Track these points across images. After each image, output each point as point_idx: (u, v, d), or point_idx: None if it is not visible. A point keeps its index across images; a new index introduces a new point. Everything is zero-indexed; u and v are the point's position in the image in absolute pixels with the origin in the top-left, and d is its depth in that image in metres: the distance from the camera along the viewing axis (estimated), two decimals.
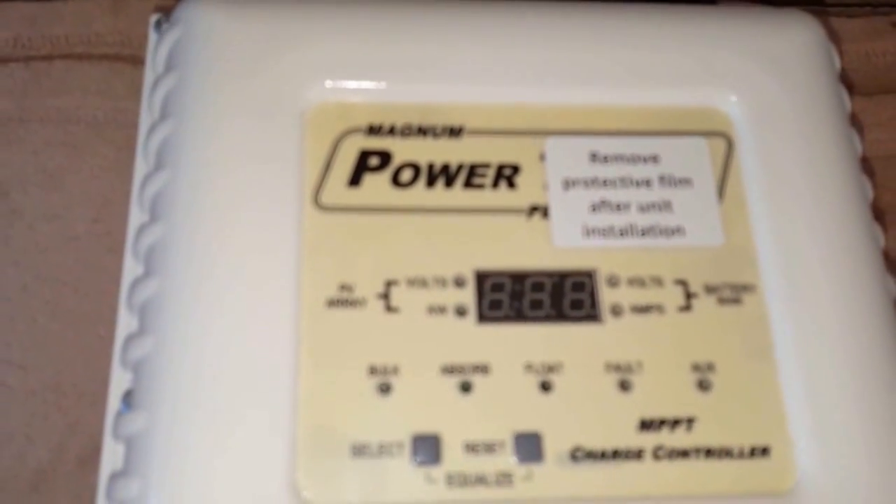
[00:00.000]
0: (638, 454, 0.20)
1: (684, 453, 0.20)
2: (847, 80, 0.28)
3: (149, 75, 0.24)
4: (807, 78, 0.23)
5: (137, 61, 0.29)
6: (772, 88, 0.23)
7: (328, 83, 0.22)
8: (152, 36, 0.25)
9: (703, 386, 0.20)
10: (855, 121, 0.24)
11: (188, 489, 0.18)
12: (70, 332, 0.29)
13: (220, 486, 0.18)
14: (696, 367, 0.20)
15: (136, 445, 0.19)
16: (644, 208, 0.22)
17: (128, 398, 0.21)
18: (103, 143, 0.31)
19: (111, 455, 0.20)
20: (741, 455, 0.20)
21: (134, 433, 0.19)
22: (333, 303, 0.20)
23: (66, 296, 0.29)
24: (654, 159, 0.23)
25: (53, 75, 0.30)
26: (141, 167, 0.23)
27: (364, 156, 0.22)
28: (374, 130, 0.22)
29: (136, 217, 0.22)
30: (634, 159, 0.22)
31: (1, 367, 0.28)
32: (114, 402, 0.22)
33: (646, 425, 0.20)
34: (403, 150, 0.22)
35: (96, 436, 0.27)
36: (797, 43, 0.24)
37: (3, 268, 0.29)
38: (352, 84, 0.22)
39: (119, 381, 0.21)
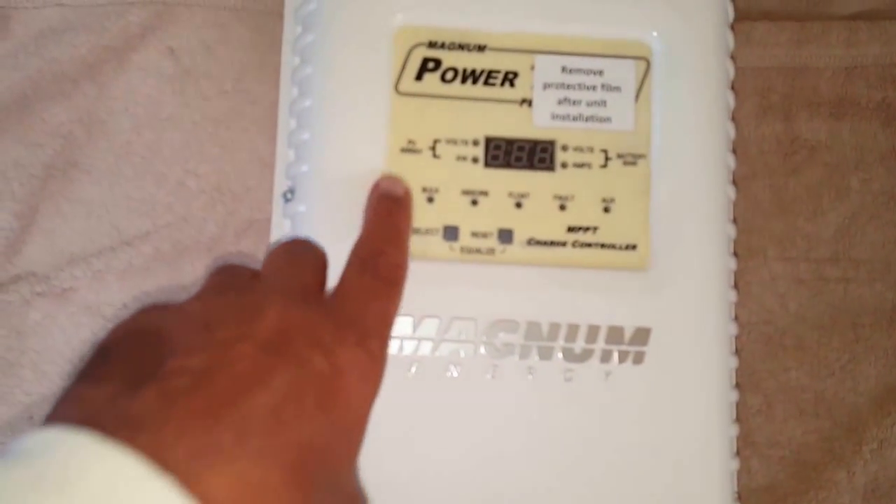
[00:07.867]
0: (564, 244, 0.35)
1: (589, 245, 0.35)
2: (757, 10, 0.40)
3: None
4: (705, 22, 0.36)
5: None
6: (680, 28, 0.35)
7: (406, 14, 0.35)
8: None
9: (607, 210, 0.35)
10: (733, 54, 0.37)
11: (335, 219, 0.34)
12: (227, 152, 0.43)
13: None
14: (604, 199, 0.35)
15: (297, 223, 0.35)
16: (589, 104, 0.36)
17: (287, 195, 0.36)
18: (240, 24, 0.43)
19: (279, 219, 0.36)
20: (621, 248, 0.35)
21: (295, 214, 0.35)
22: (404, 150, 0.34)
23: (222, 128, 0.43)
24: (600, 73, 0.36)
25: None
26: (288, 60, 0.37)
27: (425, 61, 0.35)
28: (432, 45, 0.35)
29: (286, 88, 0.37)
30: (588, 72, 0.36)
31: (182, 175, 0.43)
32: (263, 193, 0.37)
33: (571, 229, 0.35)
34: (448, 59, 0.35)
35: (247, 219, 0.43)
36: None
37: (179, 109, 0.43)
38: (420, 15, 0.35)
39: (279, 182, 0.36)
